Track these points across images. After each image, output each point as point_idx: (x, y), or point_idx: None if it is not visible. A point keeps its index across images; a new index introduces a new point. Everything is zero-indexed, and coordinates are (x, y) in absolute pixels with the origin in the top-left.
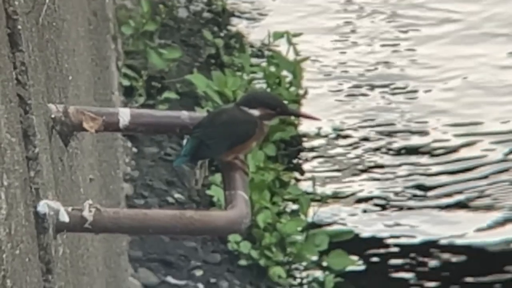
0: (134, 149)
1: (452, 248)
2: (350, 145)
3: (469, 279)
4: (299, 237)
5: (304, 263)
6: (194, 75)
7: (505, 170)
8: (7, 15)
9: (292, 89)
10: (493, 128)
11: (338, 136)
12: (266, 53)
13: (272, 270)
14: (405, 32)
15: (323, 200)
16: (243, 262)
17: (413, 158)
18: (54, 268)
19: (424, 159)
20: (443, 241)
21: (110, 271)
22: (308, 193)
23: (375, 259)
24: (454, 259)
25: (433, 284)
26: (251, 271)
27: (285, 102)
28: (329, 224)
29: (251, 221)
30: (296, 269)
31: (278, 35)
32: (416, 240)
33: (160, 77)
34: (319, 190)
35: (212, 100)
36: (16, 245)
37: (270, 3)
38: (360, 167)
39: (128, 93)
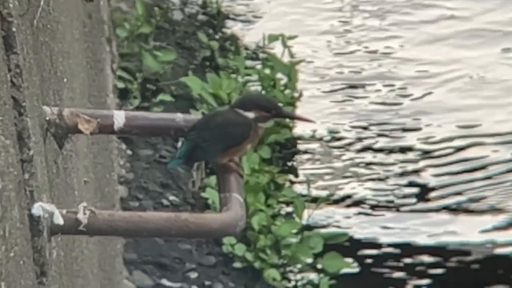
0: (129, 152)
1: (446, 250)
2: (344, 147)
3: (464, 281)
4: (294, 240)
5: (299, 266)
6: (189, 77)
7: (504, 172)
8: (2, 18)
9: (287, 91)
10: (493, 130)
11: (333, 138)
12: (261, 55)
13: (267, 273)
14: (401, 31)
15: (318, 203)
16: (237, 264)
17: (409, 160)
18: (49, 271)
19: (419, 161)
20: (438, 243)
21: (105, 273)
22: (303, 196)
23: (369, 261)
24: (449, 260)
25: (428, 286)
26: (245, 274)
27: (280, 104)
28: (323, 227)
29: (246, 224)
30: (291, 271)
31: (273, 38)
32: (411, 242)
33: (155, 79)
34: (314, 192)
35: (207, 103)
36: (10, 248)
37: (265, 5)
38: (355, 169)
39: (123, 95)
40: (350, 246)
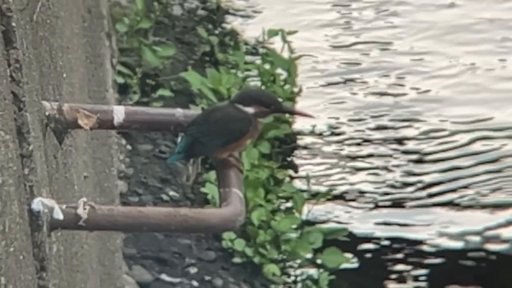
0: (129, 147)
1: (446, 245)
2: (344, 142)
3: (464, 276)
4: (294, 235)
5: (298, 261)
6: (189, 72)
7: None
8: (1, 12)
9: (287, 86)
10: (492, 122)
11: (333, 133)
12: (261, 50)
13: (267, 268)
14: (401, 24)
15: (317, 198)
16: (237, 259)
17: (410, 155)
18: (48, 266)
19: (421, 156)
20: (437, 238)
21: (104, 268)
22: (302, 191)
23: (369, 256)
24: (449, 255)
25: (427, 281)
26: (245, 269)
27: (280, 99)
28: (323, 222)
29: (246, 219)
30: (290, 266)
31: (272, 33)
32: (410, 237)
33: (155, 74)
34: (314, 187)
35: (206, 98)
36: (10, 243)
37: (264, 0)
38: (354, 164)
39: (123, 90)
40: (349, 241)
